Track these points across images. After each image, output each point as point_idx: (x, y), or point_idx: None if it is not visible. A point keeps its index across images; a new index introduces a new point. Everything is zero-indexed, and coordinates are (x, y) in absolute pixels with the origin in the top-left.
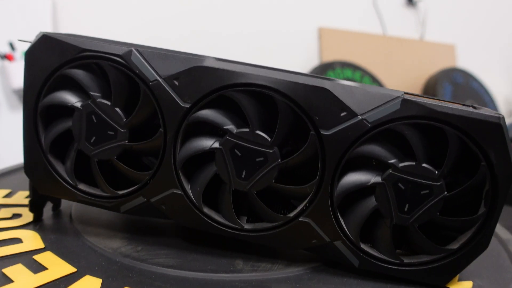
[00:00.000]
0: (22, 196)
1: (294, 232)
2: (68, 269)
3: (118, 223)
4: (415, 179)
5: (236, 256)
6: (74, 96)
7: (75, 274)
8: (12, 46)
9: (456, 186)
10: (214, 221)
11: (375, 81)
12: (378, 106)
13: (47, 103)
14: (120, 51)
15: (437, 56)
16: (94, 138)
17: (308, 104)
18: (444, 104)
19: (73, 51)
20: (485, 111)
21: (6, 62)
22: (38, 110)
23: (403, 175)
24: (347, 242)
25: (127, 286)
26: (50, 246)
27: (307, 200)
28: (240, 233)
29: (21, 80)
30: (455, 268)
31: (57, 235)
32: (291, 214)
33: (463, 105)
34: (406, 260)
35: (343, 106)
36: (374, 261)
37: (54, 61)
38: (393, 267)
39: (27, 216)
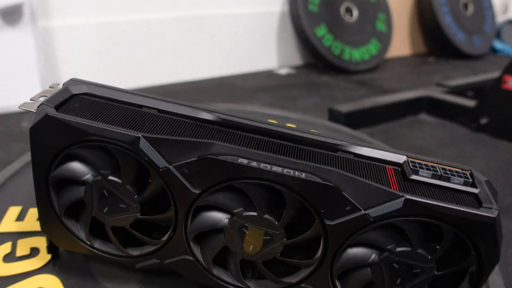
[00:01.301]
0: (34, 217)
1: None
2: None
3: None
4: (409, 261)
5: None
6: (84, 168)
7: None
8: None
9: (445, 263)
10: (223, 281)
11: None
12: (381, 203)
13: (57, 176)
14: (127, 138)
15: None
16: (106, 208)
17: (315, 199)
18: (444, 204)
19: (78, 134)
20: (484, 198)
21: None
22: (49, 181)
23: (399, 258)
24: None
25: None
26: None
27: (309, 271)
28: None
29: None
30: None
31: (76, 279)
32: (294, 281)
33: (461, 170)
34: None
35: (349, 202)
36: None
37: (60, 142)
38: None
39: (44, 251)
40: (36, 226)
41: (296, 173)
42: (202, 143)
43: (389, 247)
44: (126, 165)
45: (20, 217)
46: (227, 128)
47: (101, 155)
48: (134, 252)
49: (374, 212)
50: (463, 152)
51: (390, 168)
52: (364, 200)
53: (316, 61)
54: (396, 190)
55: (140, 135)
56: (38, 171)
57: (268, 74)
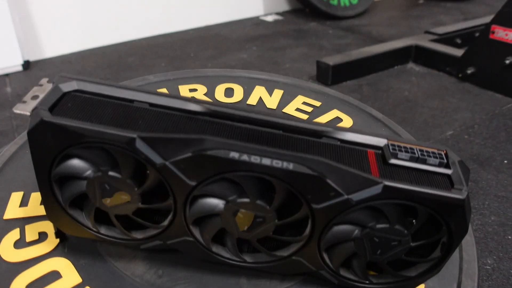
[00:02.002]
0: (37, 202)
1: (288, 265)
2: None
3: None
4: (388, 235)
5: (240, 274)
6: (84, 165)
7: None
8: None
9: (420, 235)
10: (222, 256)
11: None
12: (362, 189)
13: (59, 174)
14: (124, 139)
15: None
16: (109, 200)
17: (302, 187)
18: (418, 188)
19: (75, 137)
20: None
21: None
22: (51, 177)
23: (378, 233)
24: (330, 271)
25: None
26: (86, 278)
27: (299, 246)
28: (244, 264)
29: None
30: (412, 285)
31: (86, 260)
32: (286, 254)
33: (437, 151)
34: (374, 281)
35: (333, 189)
36: (350, 282)
37: (57, 144)
38: (364, 285)
39: (52, 234)
40: (41, 211)
41: (285, 164)
42: (195, 140)
43: (370, 224)
44: (124, 162)
45: (24, 203)
46: (217, 119)
47: (99, 153)
48: (138, 235)
49: (356, 196)
50: (448, 103)
51: (372, 152)
52: (347, 186)
53: (303, 6)
54: (376, 175)
55: (135, 136)
56: (39, 169)
57: (255, 22)
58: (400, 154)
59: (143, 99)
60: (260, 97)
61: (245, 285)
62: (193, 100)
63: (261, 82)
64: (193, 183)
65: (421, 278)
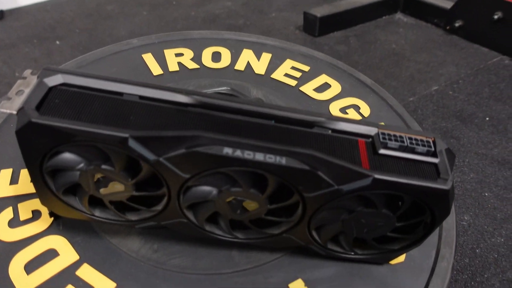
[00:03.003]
0: (28, 179)
1: (279, 241)
2: (110, 285)
3: None
4: (374, 218)
5: (232, 247)
6: (76, 158)
7: None
8: None
9: (404, 216)
10: (215, 234)
11: None
12: (353, 181)
13: (50, 167)
14: (116, 139)
15: None
16: (103, 189)
17: (294, 179)
18: (405, 180)
19: (65, 136)
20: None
21: None
22: (43, 171)
23: (366, 216)
24: (318, 245)
25: None
26: (83, 255)
27: (290, 226)
28: (236, 240)
29: None
30: (395, 255)
31: (81, 237)
32: (276, 232)
33: (426, 138)
34: (359, 252)
35: (324, 181)
36: (337, 253)
37: (47, 143)
38: (349, 256)
39: (45, 212)
40: (32, 188)
41: (277, 158)
42: (188, 137)
43: (358, 209)
44: (117, 158)
45: (14, 180)
46: (208, 111)
47: (91, 150)
48: (133, 217)
49: (346, 187)
50: (435, 57)
51: (362, 141)
52: (338, 178)
53: None
54: (367, 167)
55: (128, 135)
56: (30, 164)
57: None
58: (390, 143)
59: (133, 91)
60: (248, 62)
61: (236, 257)
62: (184, 91)
63: (249, 45)
64: (187, 176)
65: (404, 250)
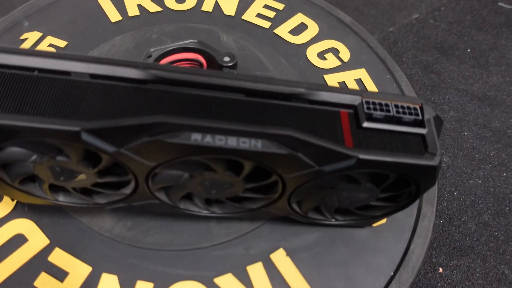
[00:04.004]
0: None
1: (258, 214)
2: (85, 269)
3: None
4: (358, 192)
5: (210, 219)
6: (27, 152)
7: (93, 273)
8: None
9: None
10: (190, 211)
11: None
12: (335, 162)
13: (1, 161)
14: (66, 134)
15: None
16: (62, 178)
17: (272, 163)
18: (391, 158)
19: (7, 134)
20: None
21: None
22: None
23: (348, 190)
24: (299, 215)
25: (139, 280)
26: (53, 239)
27: (269, 201)
28: (214, 215)
29: None
30: (377, 220)
31: (49, 218)
32: (255, 206)
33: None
34: (341, 218)
35: (304, 162)
36: (317, 221)
37: None
38: (331, 222)
39: None
40: None
41: (252, 143)
42: (149, 125)
43: (340, 185)
44: (71, 151)
45: None
46: (170, 86)
47: (41, 143)
48: (101, 200)
49: (327, 168)
50: None
51: (345, 113)
52: (319, 159)
53: None
54: (350, 145)
55: (79, 129)
56: None
57: None
58: (374, 114)
59: (82, 69)
60: (216, 1)
61: (215, 229)
62: (141, 65)
63: None
64: (153, 164)
65: (386, 215)
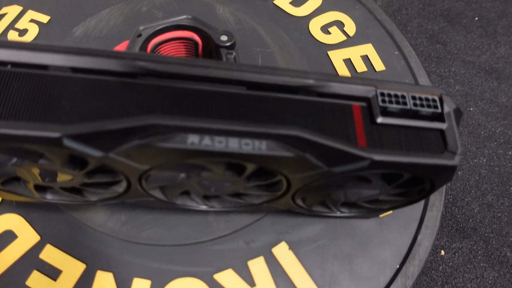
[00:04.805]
0: None
1: (259, 209)
2: (79, 266)
3: None
4: (367, 189)
5: (207, 211)
6: (4, 156)
7: (88, 271)
8: None
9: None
10: (188, 206)
11: None
12: (347, 164)
13: None
14: (46, 141)
15: None
16: (47, 179)
17: (277, 166)
18: (407, 159)
19: None
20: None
21: None
22: None
23: (358, 187)
24: (302, 209)
25: (136, 277)
26: (44, 235)
27: (272, 198)
28: (213, 210)
29: None
30: (384, 211)
31: (38, 212)
32: (257, 202)
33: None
34: (346, 211)
35: (312, 163)
36: (321, 213)
37: None
38: (336, 214)
39: None
40: None
41: (256, 144)
42: (139, 127)
43: (349, 184)
44: (55, 156)
45: None
46: (162, 80)
47: (19, 148)
48: (92, 198)
49: (338, 169)
50: None
51: (358, 107)
52: (329, 160)
53: None
54: (363, 145)
55: (60, 135)
56: None
57: None
58: (390, 107)
59: (61, 62)
60: None
61: (214, 223)
62: (129, 56)
63: None
64: (145, 168)
65: (394, 209)
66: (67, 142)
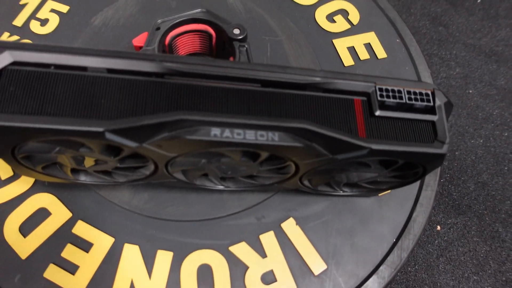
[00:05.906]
0: None
1: (271, 187)
2: (108, 239)
3: None
4: (367, 172)
5: (222, 190)
6: (50, 145)
7: (116, 243)
8: None
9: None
10: (206, 186)
11: None
12: (348, 152)
13: (23, 153)
14: (90, 135)
15: None
16: (85, 164)
17: (288, 154)
18: (402, 147)
19: (31, 134)
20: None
21: None
22: (16, 157)
23: (358, 170)
24: (309, 189)
25: (159, 249)
26: (75, 212)
27: (281, 179)
28: (228, 189)
29: None
30: (384, 190)
31: (69, 191)
32: (268, 182)
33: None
34: (348, 190)
35: (318, 151)
36: (326, 192)
37: (13, 140)
38: (339, 194)
39: None
40: None
41: (269, 136)
42: (169, 122)
43: (351, 168)
44: (95, 145)
45: None
46: (187, 79)
47: (65, 139)
48: (120, 179)
49: (341, 156)
50: None
51: (358, 101)
52: (333, 149)
53: None
54: (363, 135)
55: (103, 130)
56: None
57: None
58: (387, 101)
59: (98, 64)
60: None
61: (228, 201)
62: (157, 58)
63: None
64: (173, 155)
65: (392, 189)
66: (109, 135)
